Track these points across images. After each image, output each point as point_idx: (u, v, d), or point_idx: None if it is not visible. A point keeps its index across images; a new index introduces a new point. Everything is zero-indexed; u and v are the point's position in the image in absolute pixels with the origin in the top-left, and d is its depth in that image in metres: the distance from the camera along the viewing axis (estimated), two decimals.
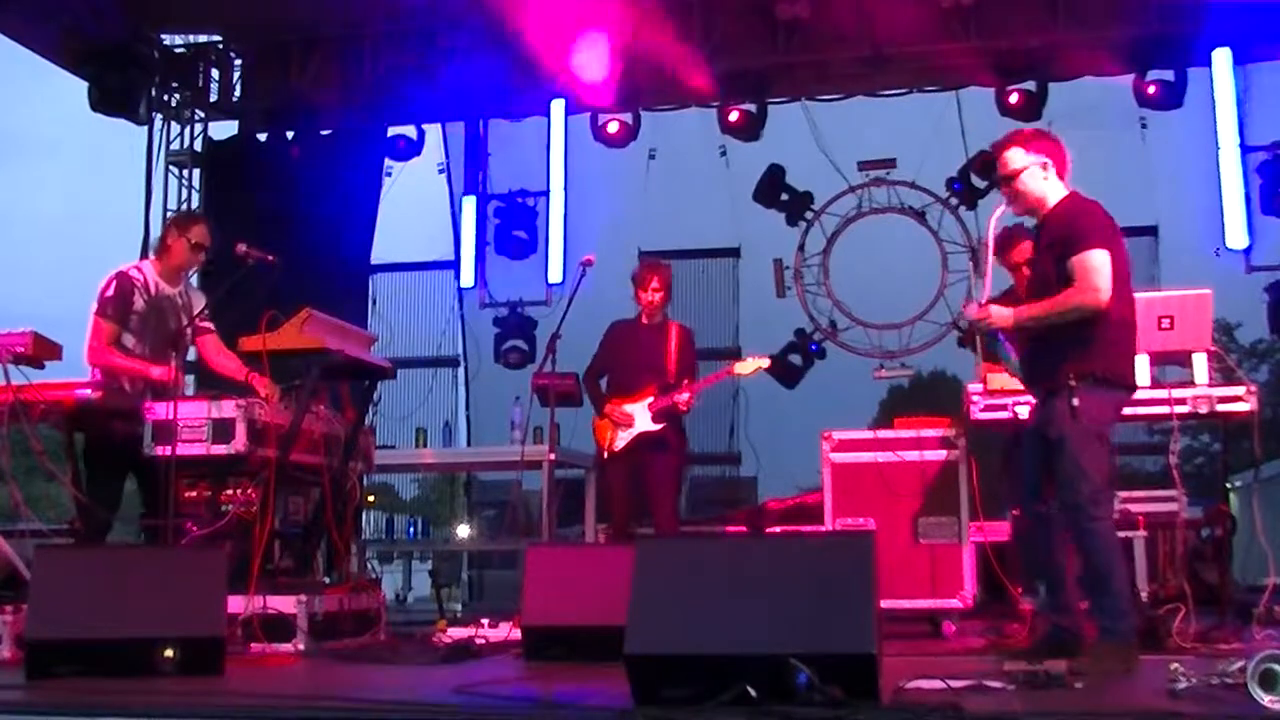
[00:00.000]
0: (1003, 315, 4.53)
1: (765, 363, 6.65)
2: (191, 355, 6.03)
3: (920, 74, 10.05)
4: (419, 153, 10.84)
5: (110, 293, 5.56)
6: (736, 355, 10.89)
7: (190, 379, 5.94)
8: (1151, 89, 9.30)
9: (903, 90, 10.17)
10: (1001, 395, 5.57)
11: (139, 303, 5.60)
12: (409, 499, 23.10)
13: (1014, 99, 9.39)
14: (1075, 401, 4.27)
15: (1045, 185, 4.53)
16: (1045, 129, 4.75)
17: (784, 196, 10.24)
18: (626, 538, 6.32)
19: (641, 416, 6.41)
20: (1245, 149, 9.47)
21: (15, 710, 3.36)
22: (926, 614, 6.16)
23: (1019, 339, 4.94)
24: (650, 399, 6.40)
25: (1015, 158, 4.57)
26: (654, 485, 6.43)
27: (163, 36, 10.72)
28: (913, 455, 6.32)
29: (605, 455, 6.56)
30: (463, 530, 13.96)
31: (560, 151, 10.51)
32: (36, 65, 9.83)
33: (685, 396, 6.35)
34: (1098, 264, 4.28)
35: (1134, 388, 4.50)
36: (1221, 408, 5.36)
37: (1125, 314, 4.42)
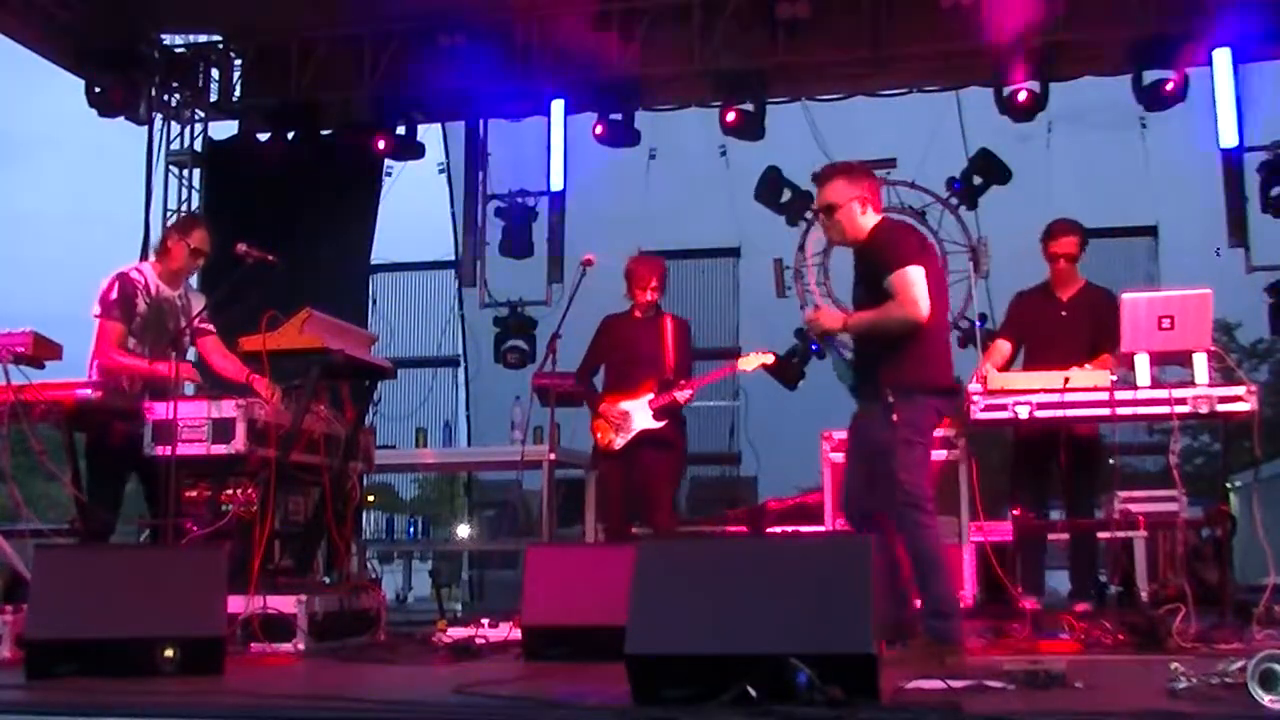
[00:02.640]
0: (833, 317, 4.85)
1: (769, 359, 6.62)
2: (191, 356, 6.02)
3: (920, 74, 10.05)
4: (419, 153, 10.84)
5: (114, 295, 5.56)
6: (736, 355, 10.90)
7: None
8: (1152, 89, 9.29)
9: (903, 90, 10.18)
10: (1001, 395, 5.57)
11: (141, 305, 5.61)
12: (409, 499, 23.12)
13: (1014, 99, 9.40)
14: (894, 416, 4.56)
15: (862, 220, 4.79)
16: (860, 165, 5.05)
17: (785, 195, 10.23)
18: (623, 537, 6.31)
19: (641, 414, 6.39)
20: (1245, 149, 9.48)
21: (15, 710, 3.36)
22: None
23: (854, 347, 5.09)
24: (650, 395, 6.37)
25: (838, 191, 4.79)
26: (652, 483, 6.41)
27: (163, 36, 10.72)
28: None
29: (604, 453, 6.54)
30: (463, 530, 13.99)
31: (560, 151, 10.52)
32: (36, 65, 9.85)
33: (687, 394, 6.33)
34: (913, 279, 4.57)
35: (955, 389, 4.86)
36: (1221, 408, 5.35)
37: (939, 324, 4.74)
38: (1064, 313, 6.35)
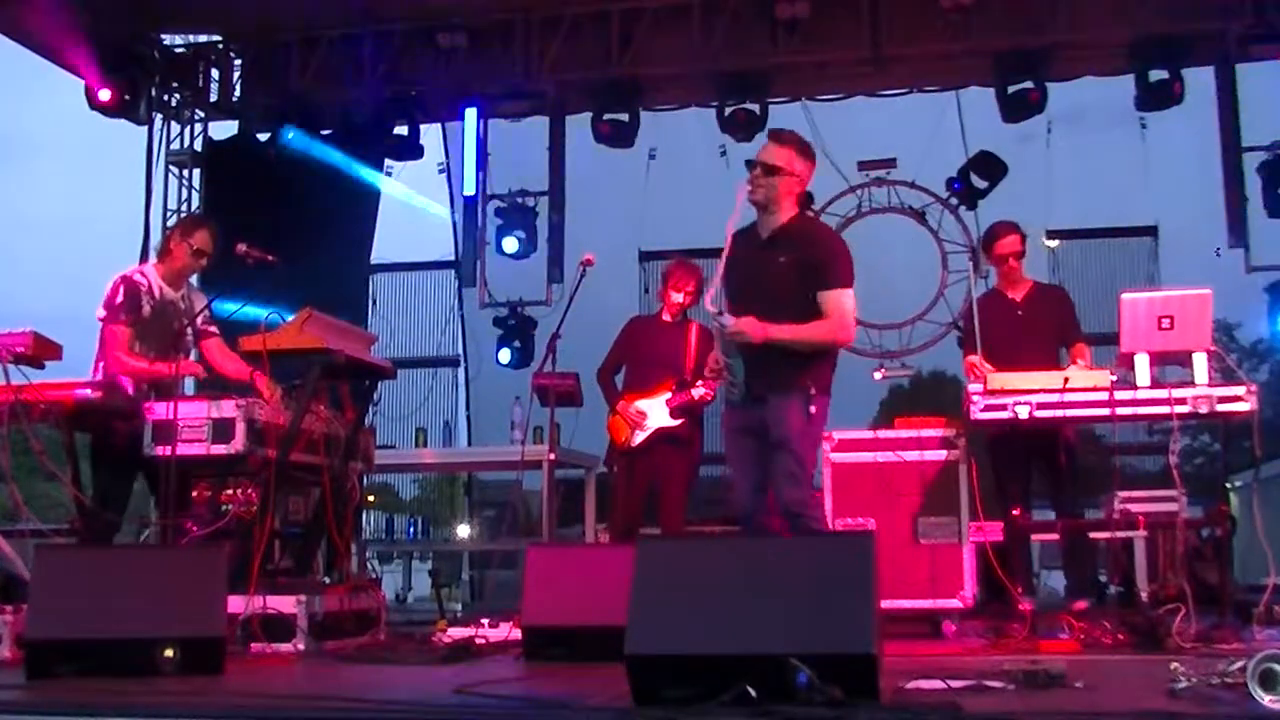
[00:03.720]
0: (757, 328, 4.59)
1: None
2: (194, 357, 6.02)
3: (920, 74, 10.05)
4: (419, 153, 10.84)
5: (120, 299, 5.54)
6: None
7: (189, 380, 5.93)
8: (1153, 89, 9.29)
9: (903, 90, 10.18)
10: (1001, 395, 5.56)
11: (146, 308, 5.60)
12: (409, 499, 23.10)
13: (1014, 99, 9.39)
14: (813, 409, 4.59)
15: (789, 194, 4.79)
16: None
17: None
18: (628, 538, 6.29)
19: (658, 412, 6.36)
20: (1245, 149, 9.48)
21: (15, 710, 3.36)
22: (926, 614, 6.15)
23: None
24: (667, 394, 6.36)
25: (789, 160, 4.76)
26: (666, 482, 6.39)
27: (163, 36, 10.72)
28: (913, 455, 6.31)
29: (620, 451, 6.51)
30: (463, 530, 13.99)
31: (560, 151, 10.50)
32: (36, 65, 9.84)
33: (702, 391, 6.29)
34: (850, 305, 4.69)
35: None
36: (1221, 408, 5.34)
37: None
38: (1020, 312, 6.31)
